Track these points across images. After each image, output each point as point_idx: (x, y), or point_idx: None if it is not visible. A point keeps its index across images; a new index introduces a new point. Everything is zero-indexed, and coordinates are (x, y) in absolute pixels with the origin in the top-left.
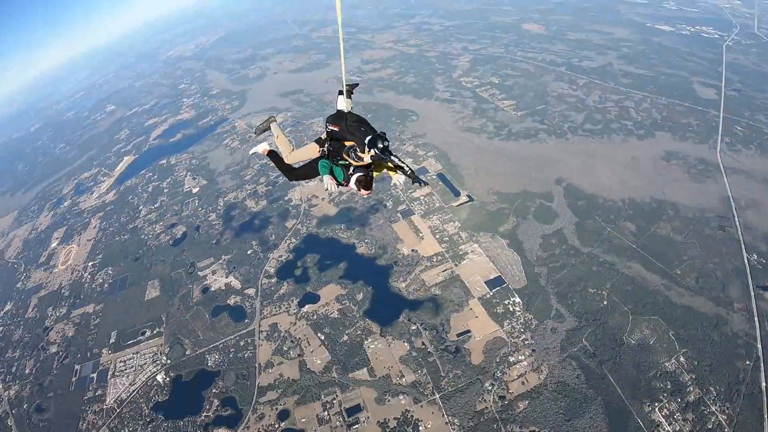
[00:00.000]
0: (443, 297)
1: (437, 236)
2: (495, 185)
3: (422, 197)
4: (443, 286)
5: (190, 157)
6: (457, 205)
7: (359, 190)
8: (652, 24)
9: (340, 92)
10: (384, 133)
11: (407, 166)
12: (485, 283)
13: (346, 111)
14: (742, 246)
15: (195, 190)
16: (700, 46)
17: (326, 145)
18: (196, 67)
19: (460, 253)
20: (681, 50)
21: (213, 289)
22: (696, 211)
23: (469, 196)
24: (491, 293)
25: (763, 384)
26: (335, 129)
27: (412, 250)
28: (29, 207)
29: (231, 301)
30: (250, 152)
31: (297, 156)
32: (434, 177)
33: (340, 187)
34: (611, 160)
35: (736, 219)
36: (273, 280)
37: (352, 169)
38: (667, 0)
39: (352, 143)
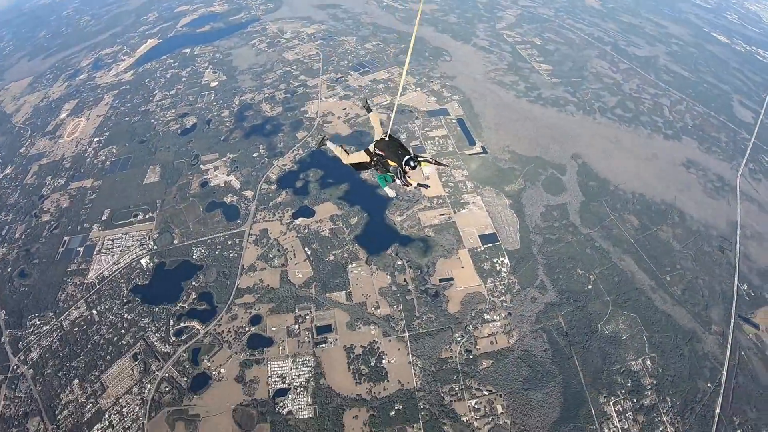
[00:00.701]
0: (435, 240)
1: (443, 179)
2: (511, 144)
3: (437, 138)
4: (437, 229)
5: (214, 51)
6: (470, 154)
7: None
8: (710, 30)
9: (368, 109)
10: (415, 156)
11: (434, 160)
12: (479, 236)
13: (386, 139)
14: (736, 272)
15: (213, 84)
16: (751, 67)
17: (374, 159)
18: None
19: (462, 201)
20: (731, 65)
21: (212, 184)
22: (701, 225)
23: (483, 148)
24: (482, 248)
25: (717, 410)
26: (382, 154)
27: (416, 187)
28: (44, 74)
29: (227, 200)
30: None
31: (352, 159)
32: (453, 121)
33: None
34: (632, 151)
35: (738, 245)
36: (273, 187)
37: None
38: (731, 11)
39: (394, 164)
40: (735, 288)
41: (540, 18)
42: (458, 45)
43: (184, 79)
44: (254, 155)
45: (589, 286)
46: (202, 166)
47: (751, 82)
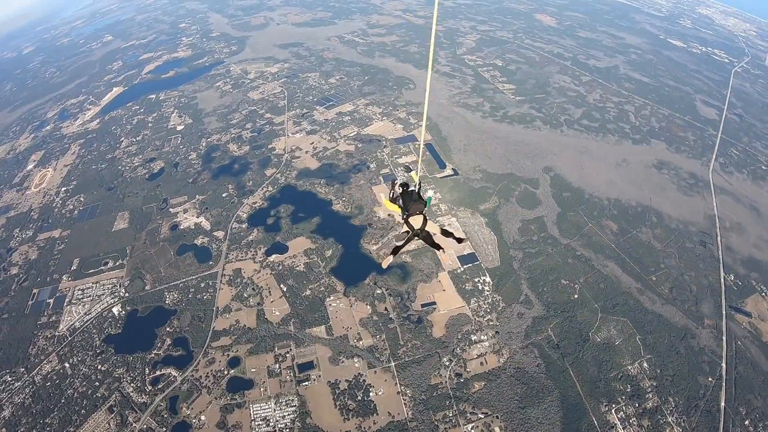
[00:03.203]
0: (413, 265)
1: None
2: (482, 163)
3: (408, 163)
4: (415, 255)
5: (179, 95)
6: (441, 177)
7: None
8: (665, 37)
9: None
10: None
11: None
12: (458, 257)
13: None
14: (721, 265)
15: (179, 128)
16: (709, 67)
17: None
18: (200, 9)
19: (437, 224)
20: (689, 67)
21: (182, 227)
22: (680, 222)
23: (454, 170)
24: (462, 268)
25: (722, 404)
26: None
27: (389, 215)
28: (11, 127)
29: (198, 241)
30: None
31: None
32: (423, 146)
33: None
34: (603, 158)
35: (719, 238)
36: (244, 226)
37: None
38: (684, 17)
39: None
40: (722, 280)
41: (499, 41)
42: (421, 73)
43: (150, 125)
44: (223, 195)
45: (575, 296)
46: (171, 209)
47: (711, 81)
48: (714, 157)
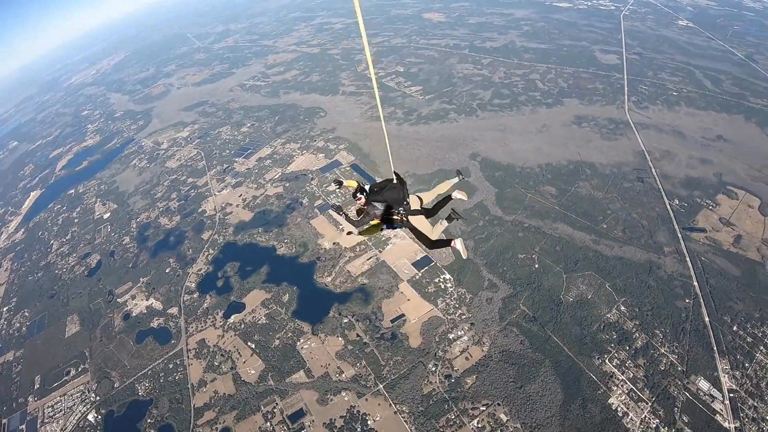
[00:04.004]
0: (372, 285)
1: None
2: (410, 168)
3: (338, 190)
4: (370, 274)
5: (98, 183)
6: None
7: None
8: (551, 2)
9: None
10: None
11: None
12: (412, 264)
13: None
14: (663, 194)
15: (106, 216)
16: (598, 18)
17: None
18: (98, 92)
19: (383, 238)
20: (580, 24)
21: (134, 314)
22: (613, 167)
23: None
24: (420, 273)
25: (707, 319)
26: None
27: (334, 243)
28: None
29: (155, 324)
30: None
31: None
32: (348, 168)
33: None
34: (523, 130)
35: (653, 170)
36: (195, 295)
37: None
38: None
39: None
40: (668, 207)
41: (396, 48)
42: (328, 99)
43: (76, 221)
44: (167, 271)
45: (536, 266)
46: (118, 299)
47: (604, 30)
48: (626, 98)
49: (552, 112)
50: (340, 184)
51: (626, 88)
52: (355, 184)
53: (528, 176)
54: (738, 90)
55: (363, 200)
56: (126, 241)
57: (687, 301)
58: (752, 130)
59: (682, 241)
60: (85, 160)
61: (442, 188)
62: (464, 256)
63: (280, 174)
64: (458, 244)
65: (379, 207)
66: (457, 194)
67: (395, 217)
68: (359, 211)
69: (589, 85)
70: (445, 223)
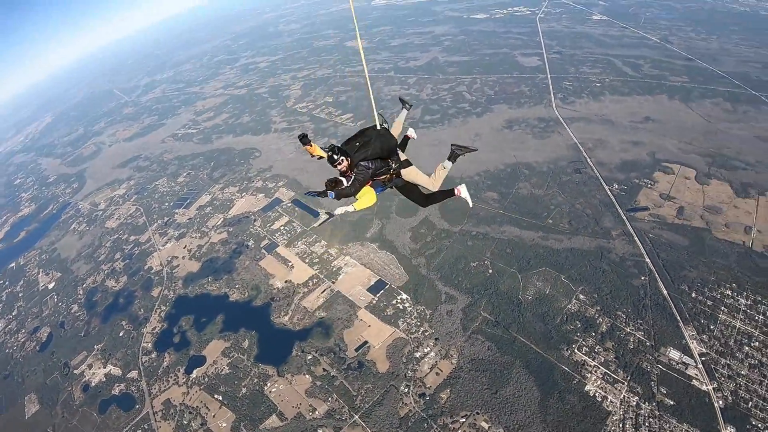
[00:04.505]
0: (330, 317)
1: (307, 260)
2: None
3: (282, 227)
4: (327, 307)
5: (38, 253)
6: (318, 225)
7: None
8: (468, 15)
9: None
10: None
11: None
12: (367, 290)
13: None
14: (601, 181)
15: (51, 286)
16: (515, 25)
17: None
18: (29, 159)
19: (334, 269)
20: (499, 32)
21: (94, 384)
22: (549, 163)
23: (328, 213)
24: (376, 298)
25: (665, 291)
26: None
27: (286, 281)
28: None
29: (116, 391)
30: None
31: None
32: (289, 205)
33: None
34: (456, 141)
35: (588, 160)
36: (153, 355)
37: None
38: None
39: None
40: (609, 193)
41: (322, 79)
42: (261, 138)
43: (20, 294)
44: (120, 334)
45: (490, 271)
46: (75, 371)
47: (522, 35)
48: (552, 96)
49: (482, 120)
50: (305, 138)
51: (551, 87)
52: (319, 152)
53: (468, 185)
54: (657, 72)
55: (345, 164)
56: (74, 309)
57: (643, 278)
58: (677, 106)
59: (627, 223)
60: (22, 230)
61: (396, 129)
62: (470, 204)
63: (222, 220)
64: (463, 191)
65: (370, 165)
66: (412, 133)
67: (383, 176)
68: (336, 182)
69: (515, 89)
70: (449, 165)
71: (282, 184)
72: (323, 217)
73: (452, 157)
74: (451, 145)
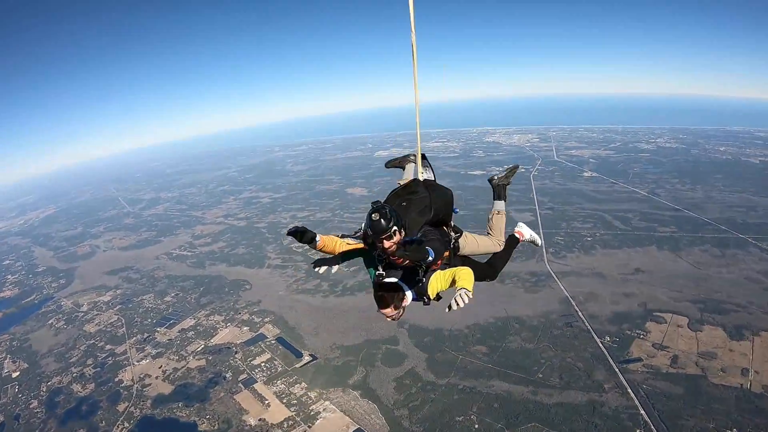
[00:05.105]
0: None
1: (284, 401)
2: (337, 340)
3: (263, 364)
4: None
5: (10, 338)
6: (301, 366)
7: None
8: (465, 171)
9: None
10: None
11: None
12: None
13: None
14: (593, 334)
15: (15, 375)
16: (516, 181)
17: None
18: (23, 243)
19: (312, 413)
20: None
21: None
22: (540, 317)
23: (312, 355)
24: None
25: None
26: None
27: (260, 419)
28: None
29: None
30: None
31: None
32: (273, 342)
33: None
34: (447, 295)
35: (580, 313)
36: None
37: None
38: (476, 150)
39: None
40: (600, 346)
41: (320, 222)
42: (254, 271)
43: None
44: None
45: (476, 426)
46: None
47: (516, 191)
48: (544, 251)
49: None
50: (301, 235)
51: (543, 242)
52: (336, 241)
53: (457, 338)
54: (646, 224)
55: (398, 238)
56: (34, 405)
57: (638, 431)
58: (666, 256)
59: (620, 375)
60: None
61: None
62: (539, 243)
63: (203, 346)
64: (525, 230)
65: (435, 232)
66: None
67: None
68: (391, 262)
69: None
70: (502, 206)
71: (269, 320)
72: (306, 358)
73: (501, 193)
74: (490, 180)
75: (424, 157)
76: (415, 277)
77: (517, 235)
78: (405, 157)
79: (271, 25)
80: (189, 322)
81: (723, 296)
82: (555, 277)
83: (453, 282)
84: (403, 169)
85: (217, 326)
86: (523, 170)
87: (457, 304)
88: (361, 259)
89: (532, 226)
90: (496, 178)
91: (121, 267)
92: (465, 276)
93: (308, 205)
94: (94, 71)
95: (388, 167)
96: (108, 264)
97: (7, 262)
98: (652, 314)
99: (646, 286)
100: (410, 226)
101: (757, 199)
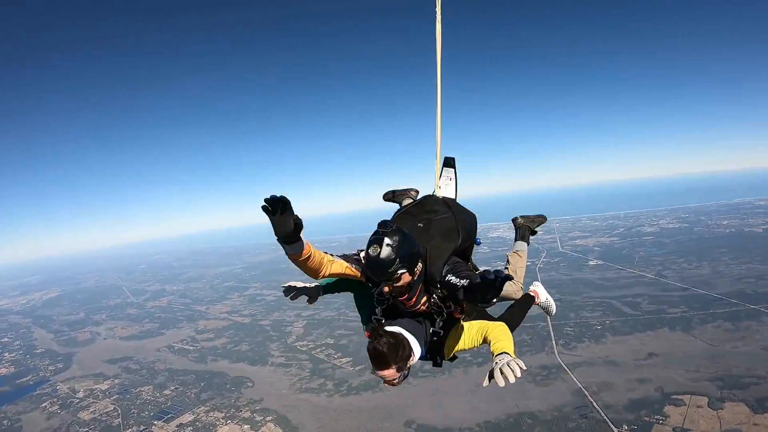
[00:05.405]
0: None
1: None
2: None
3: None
4: None
5: (1, 417)
6: None
7: None
8: None
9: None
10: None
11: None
12: None
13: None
14: (610, 423)
15: None
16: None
17: None
18: (24, 323)
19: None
20: None
21: None
22: (553, 411)
23: None
24: None
25: None
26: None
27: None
28: None
29: None
30: None
31: None
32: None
33: None
34: (456, 391)
35: (594, 403)
36: None
37: None
38: (481, 246)
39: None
40: None
41: (325, 320)
42: (256, 369)
43: None
44: None
45: None
46: None
47: (524, 285)
48: (554, 343)
49: (483, 370)
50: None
51: (552, 334)
52: (326, 259)
53: None
54: (656, 306)
55: (406, 280)
56: None
57: None
58: (679, 337)
59: None
60: None
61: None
62: (553, 312)
63: None
64: (540, 291)
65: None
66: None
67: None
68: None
69: (517, 338)
70: (524, 249)
71: (270, 419)
72: None
73: (525, 235)
74: (514, 220)
75: (448, 164)
76: (426, 328)
77: (532, 294)
78: (406, 191)
79: (273, 134)
80: (188, 417)
81: (741, 370)
82: (566, 368)
83: (484, 340)
84: (400, 205)
85: (217, 423)
86: (529, 263)
87: (506, 380)
88: (350, 293)
89: (540, 318)
90: (520, 218)
91: (121, 356)
92: (502, 335)
93: (315, 304)
94: (108, 161)
95: (385, 200)
96: (108, 352)
97: (6, 339)
98: (669, 398)
99: (661, 370)
100: (433, 255)
101: (765, 267)
